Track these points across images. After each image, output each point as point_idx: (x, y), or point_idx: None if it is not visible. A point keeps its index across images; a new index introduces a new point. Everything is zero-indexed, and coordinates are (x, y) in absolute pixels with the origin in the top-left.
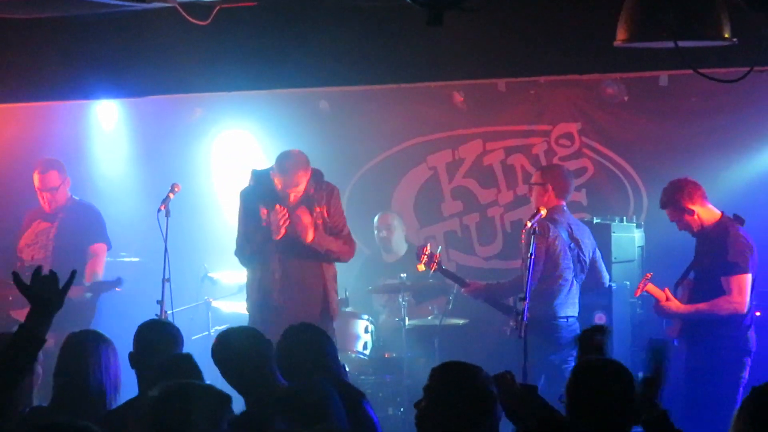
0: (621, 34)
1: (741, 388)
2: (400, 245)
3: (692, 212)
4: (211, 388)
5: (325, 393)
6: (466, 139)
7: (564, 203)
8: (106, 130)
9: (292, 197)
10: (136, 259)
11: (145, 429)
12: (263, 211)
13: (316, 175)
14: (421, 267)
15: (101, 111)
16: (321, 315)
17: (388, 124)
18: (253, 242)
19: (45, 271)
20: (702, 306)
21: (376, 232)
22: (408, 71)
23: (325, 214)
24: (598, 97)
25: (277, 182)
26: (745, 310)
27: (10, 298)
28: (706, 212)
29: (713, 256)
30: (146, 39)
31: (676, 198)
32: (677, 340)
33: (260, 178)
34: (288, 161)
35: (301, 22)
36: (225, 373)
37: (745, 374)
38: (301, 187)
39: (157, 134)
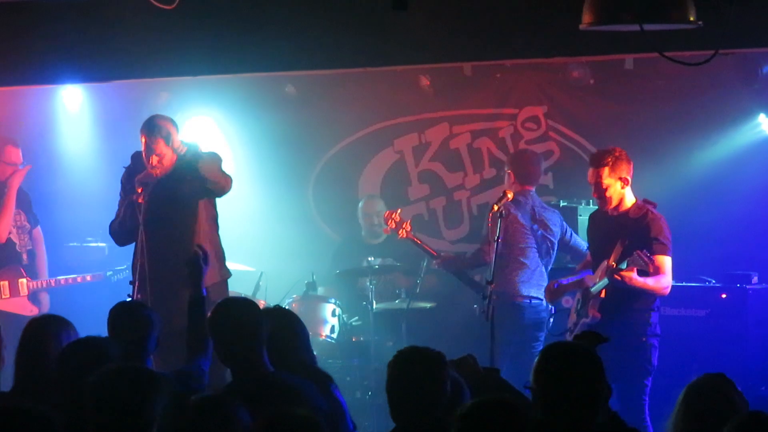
0: (586, 17)
1: (648, 368)
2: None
3: (627, 183)
4: (142, 370)
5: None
6: (433, 122)
7: (531, 188)
8: (71, 115)
9: (155, 161)
10: (103, 245)
11: (87, 415)
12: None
13: (192, 146)
14: (388, 231)
15: (66, 96)
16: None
17: (355, 108)
18: (124, 221)
19: None
20: (650, 281)
21: (363, 218)
22: (374, 55)
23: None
24: (564, 80)
25: (141, 142)
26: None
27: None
28: (630, 192)
29: (640, 236)
30: (111, 23)
31: (621, 164)
32: (593, 319)
33: (138, 159)
34: (153, 119)
35: (267, 5)
36: (215, 345)
37: (653, 358)
38: (167, 159)
39: (123, 119)
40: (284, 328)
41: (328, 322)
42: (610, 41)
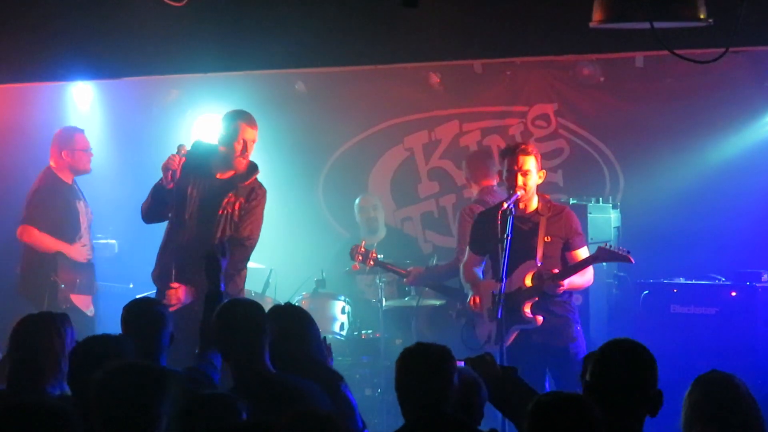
0: (597, 15)
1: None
2: (382, 227)
3: (542, 179)
4: (149, 366)
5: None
6: (443, 120)
7: (490, 184)
8: (82, 113)
9: (235, 162)
10: (113, 242)
11: (93, 410)
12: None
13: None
14: (357, 266)
15: (77, 93)
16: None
17: (365, 106)
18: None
19: None
20: (581, 279)
21: (360, 214)
22: (384, 52)
23: (237, 207)
24: (575, 78)
25: (243, 132)
26: None
27: (78, 281)
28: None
29: (563, 231)
30: (122, 20)
31: (540, 159)
32: (533, 323)
33: (198, 147)
34: (251, 116)
35: (277, 2)
36: (218, 344)
37: (580, 342)
38: (249, 152)
39: (133, 116)
40: (295, 326)
41: (337, 319)
42: (621, 39)
